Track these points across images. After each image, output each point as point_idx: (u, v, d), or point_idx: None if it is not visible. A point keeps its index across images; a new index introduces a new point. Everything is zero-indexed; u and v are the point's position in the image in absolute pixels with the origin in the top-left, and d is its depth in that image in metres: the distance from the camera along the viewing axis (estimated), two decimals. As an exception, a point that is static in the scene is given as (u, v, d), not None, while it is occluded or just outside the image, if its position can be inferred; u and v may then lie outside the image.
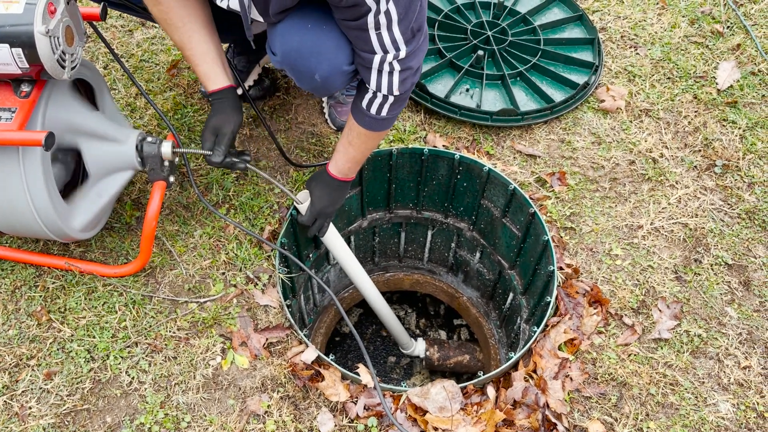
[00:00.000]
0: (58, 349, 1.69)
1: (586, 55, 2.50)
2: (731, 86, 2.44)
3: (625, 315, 1.85)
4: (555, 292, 1.86)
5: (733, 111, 2.37)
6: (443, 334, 3.15)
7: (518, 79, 2.42)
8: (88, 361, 1.67)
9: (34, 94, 1.53)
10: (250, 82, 2.24)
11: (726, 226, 2.06)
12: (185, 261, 1.89)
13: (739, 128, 2.31)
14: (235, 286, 1.85)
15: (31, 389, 1.63)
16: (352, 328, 1.75)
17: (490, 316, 2.58)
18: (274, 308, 1.82)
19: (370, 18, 1.35)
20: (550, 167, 2.20)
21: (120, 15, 2.55)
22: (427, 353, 2.54)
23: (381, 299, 2.19)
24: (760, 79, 2.47)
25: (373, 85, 1.54)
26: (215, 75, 1.66)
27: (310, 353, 1.72)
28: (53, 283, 1.81)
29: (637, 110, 2.37)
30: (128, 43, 2.47)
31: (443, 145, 2.22)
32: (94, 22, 1.80)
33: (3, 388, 1.63)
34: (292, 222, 1.95)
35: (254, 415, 1.62)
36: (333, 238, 1.96)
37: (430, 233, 2.52)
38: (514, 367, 1.77)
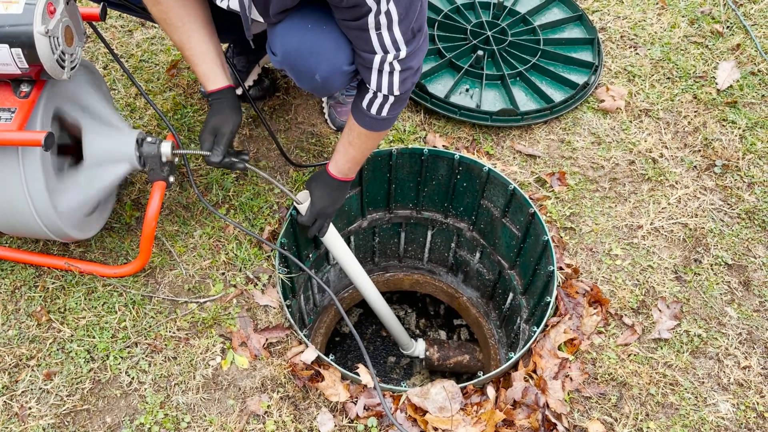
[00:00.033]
0: (57, 350, 1.69)
1: (585, 55, 2.50)
2: (731, 86, 2.44)
3: (625, 315, 1.85)
4: (555, 292, 1.85)
5: (732, 111, 2.37)
6: (443, 335, 3.15)
7: (518, 79, 2.42)
8: (87, 362, 1.67)
9: (33, 94, 1.53)
10: (249, 82, 2.24)
11: (726, 226, 2.06)
12: (185, 261, 1.88)
13: (739, 128, 2.31)
14: (234, 286, 1.85)
15: (31, 389, 1.63)
16: (352, 329, 1.75)
17: (490, 316, 2.58)
18: (274, 308, 1.82)
19: (371, 18, 1.35)
20: (550, 167, 2.19)
21: (120, 15, 2.55)
22: (427, 353, 2.54)
23: (381, 299, 2.19)
24: (760, 79, 2.47)
25: (373, 86, 1.54)
26: (214, 75, 1.66)
27: (310, 353, 1.72)
28: (53, 283, 1.80)
29: (636, 110, 2.37)
30: (128, 43, 2.47)
31: (443, 145, 2.22)
32: (94, 23, 1.80)
33: (3, 388, 1.62)
34: (291, 222, 1.95)
35: (254, 415, 1.62)
36: (333, 239, 1.96)
37: (429, 233, 2.52)
38: (514, 367, 1.77)
